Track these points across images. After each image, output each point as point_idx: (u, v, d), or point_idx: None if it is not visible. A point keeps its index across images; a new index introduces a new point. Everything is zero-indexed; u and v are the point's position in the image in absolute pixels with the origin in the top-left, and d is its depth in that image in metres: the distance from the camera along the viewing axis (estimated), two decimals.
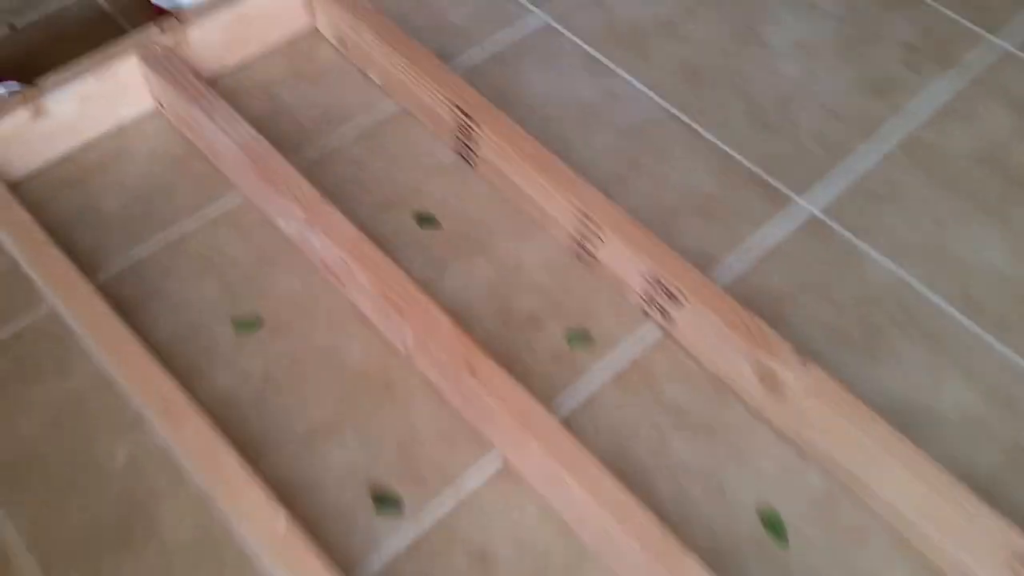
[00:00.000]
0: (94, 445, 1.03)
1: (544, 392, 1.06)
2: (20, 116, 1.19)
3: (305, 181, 1.15)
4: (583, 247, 1.16)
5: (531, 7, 1.44)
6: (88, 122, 1.26)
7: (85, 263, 1.16)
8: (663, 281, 1.08)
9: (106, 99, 1.25)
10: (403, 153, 1.28)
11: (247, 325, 1.13)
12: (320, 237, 1.12)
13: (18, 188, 1.22)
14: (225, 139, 1.19)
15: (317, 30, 1.40)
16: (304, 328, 1.13)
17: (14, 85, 1.24)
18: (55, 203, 1.22)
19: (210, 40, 1.30)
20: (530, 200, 1.20)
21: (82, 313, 1.07)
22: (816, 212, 1.22)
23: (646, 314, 1.13)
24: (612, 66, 1.38)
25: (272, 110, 1.32)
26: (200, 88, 1.23)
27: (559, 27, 1.42)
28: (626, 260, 1.12)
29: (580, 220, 1.15)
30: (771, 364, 1.00)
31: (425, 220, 1.22)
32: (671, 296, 1.07)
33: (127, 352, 1.03)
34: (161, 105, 1.30)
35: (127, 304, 1.13)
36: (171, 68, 1.25)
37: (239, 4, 1.30)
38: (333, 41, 1.38)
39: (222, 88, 1.33)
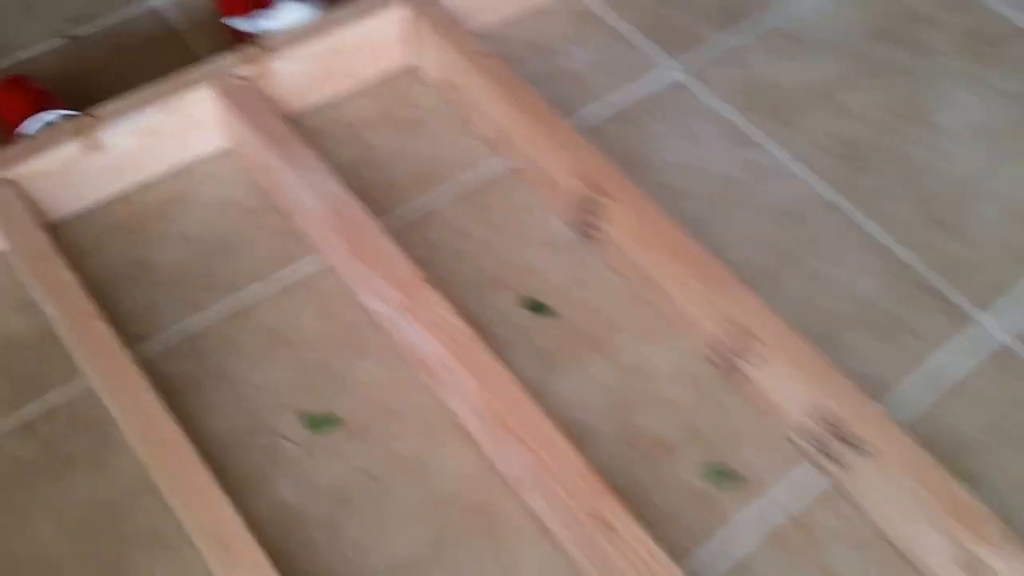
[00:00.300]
0: (125, 563, 0.85)
1: (678, 543, 0.86)
2: (70, 148, 1.01)
3: (402, 255, 0.96)
4: (728, 360, 0.97)
5: (660, 59, 1.25)
6: (149, 160, 1.07)
7: (131, 330, 0.97)
8: (833, 418, 0.88)
9: (171, 134, 1.07)
10: (511, 222, 1.10)
11: (320, 423, 0.94)
12: (415, 326, 0.93)
13: (59, 232, 1.04)
14: (308, 193, 1.00)
15: (416, 69, 1.22)
16: (388, 433, 0.93)
17: (65, 112, 1.06)
18: (102, 253, 1.04)
19: (296, 73, 1.12)
20: (664, 294, 1.01)
21: (123, 394, 0.88)
22: (1006, 339, 1.02)
23: (808, 455, 0.93)
24: (755, 135, 1.18)
25: (360, 158, 1.14)
26: (283, 130, 1.05)
27: (693, 85, 1.23)
28: (785, 384, 0.92)
29: (727, 327, 0.95)
30: (978, 551, 0.80)
31: (535, 307, 1.03)
32: (843, 439, 0.87)
33: (173, 450, 0.84)
34: (234, 144, 1.12)
35: (178, 386, 0.94)
36: (250, 103, 1.06)
37: (331, 33, 1.12)
38: (434, 83, 1.19)
39: (304, 127, 1.15)
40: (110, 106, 1.04)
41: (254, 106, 1.06)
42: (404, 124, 1.17)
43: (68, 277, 0.92)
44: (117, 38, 1.23)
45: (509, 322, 1.01)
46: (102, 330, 0.90)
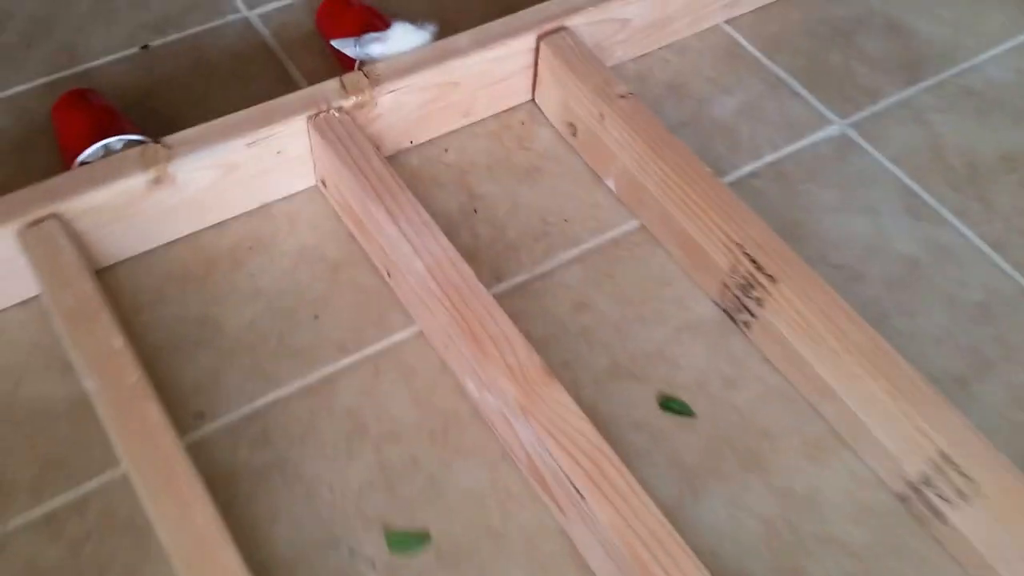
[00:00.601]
0: None
1: None
2: (134, 181, 0.85)
3: (518, 335, 0.79)
4: (924, 497, 0.77)
5: (825, 112, 1.06)
6: (225, 199, 0.91)
7: (187, 405, 0.81)
8: None
9: (254, 170, 0.91)
10: (644, 297, 0.91)
11: (405, 542, 0.76)
12: (530, 426, 0.75)
13: (110, 279, 0.88)
14: (409, 250, 0.83)
15: (536, 105, 1.05)
16: (487, 559, 0.75)
17: (132, 137, 0.91)
18: (159, 307, 0.87)
19: (403, 107, 0.95)
20: (837, 401, 0.81)
21: (169, 498, 0.70)
22: None
23: None
24: (939, 208, 0.99)
25: (468, 206, 0.96)
26: (384, 173, 0.87)
27: (863, 144, 1.04)
28: (1001, 537, 0.72)
29: (923, 453, 0.75)
30: None
31: (674, 406, 0.84)
32: None
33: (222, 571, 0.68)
34: (324, 185, 0.96)
35: (238, 481, 0.77)
36: (348, 140, 0.90)
37: (447, 63, 0.95)
38: (557, 124, 1.02)
39: (404, 168, 0.98)
40: (185, 134, 0.88)
41: (353, 143, 0.89)
42: (521, 171, 0.99)
43: (116, 342, 0.76)
44: (199, 51, 1.08)
45: (642, 425, 0.82)
46: (152, 413, 0.73)
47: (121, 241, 0.88)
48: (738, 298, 0.86)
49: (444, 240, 0.84)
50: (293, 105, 0.91)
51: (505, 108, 1.03)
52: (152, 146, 0.86)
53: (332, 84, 0.92)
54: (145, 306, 0.88)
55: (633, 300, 0.91)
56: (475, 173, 0.99)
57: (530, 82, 1.02)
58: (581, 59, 0.97)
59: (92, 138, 0.90)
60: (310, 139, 0.91)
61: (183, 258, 0.91)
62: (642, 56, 1.09)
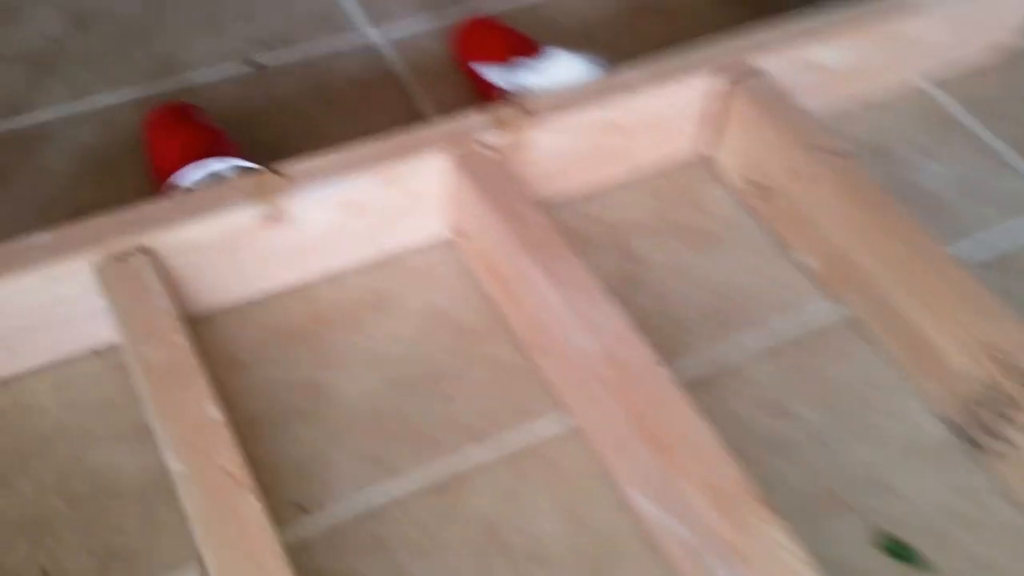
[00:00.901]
0: None
1: None
2: (242, 215, 0.70)
3: (724, 451, 0.61)
4: None
5: None
6: (345, 243, 0.75)
7: (281, 490, 0.64)
8: None
9: (382, 212, 0.75)
10: (854, 404, 0.73)
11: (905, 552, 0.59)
12: (735, 568, 0.57)
13: (204, 329, 0.73)
14: (571, 323, 0.66)
15: (713, 161, 0.89)
16: None
17: (241, 163, 0.76)
18: (258, 368, 0.71)
19: (557, 149, 0.79)
20: None
21: None
22: None
23: None
24: None
25: (627, 273, 0.79)
26: (540, 224, 0.71)
27: None
28: None
29: None
30: None
31: (896, 550, 0.65)
32: None
33: None
34: (463, 236, 0.80)
35: None
36: (496, 182, 0.74)
37: (611, 100, 0.79)
38: (738, 183, 0.85)
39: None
40: (305, 164, 0.73)
41: (508, 187, 0.73)
42: (692, 236, 0.83)
43: (211, 412, 0.60)
44: (313, 73, 0.94)
45: (858, 571, 0.64)
46: (248, 505, 0.57)
47: (221, 285, 0.73)
48: (985, 418, 0.68)
49: (621, 314, 0.67)
50: (433, 138, 0.75)
51: (673, 159, 0.87)
52: (266, 175, 0.71)
53: (479, 116, 0.77)
54: (243, 366, 0.72)
55: (841, 409, 0.73)
56: (636, 234, 0.83)
57: (706, 131, 0.86)
58: (783, 107, 0.81)
59: (193, 160, 0.75)
60: (450, 179, 0.76)
61: (292, 311, 0.75)
62: (832, 109, 0.93)
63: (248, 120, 0.89)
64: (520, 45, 0.88)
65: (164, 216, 0.69)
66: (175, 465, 0.59)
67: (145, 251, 0.67)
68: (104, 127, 0.88)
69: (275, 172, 0.71)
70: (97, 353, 0.71)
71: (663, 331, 0.76)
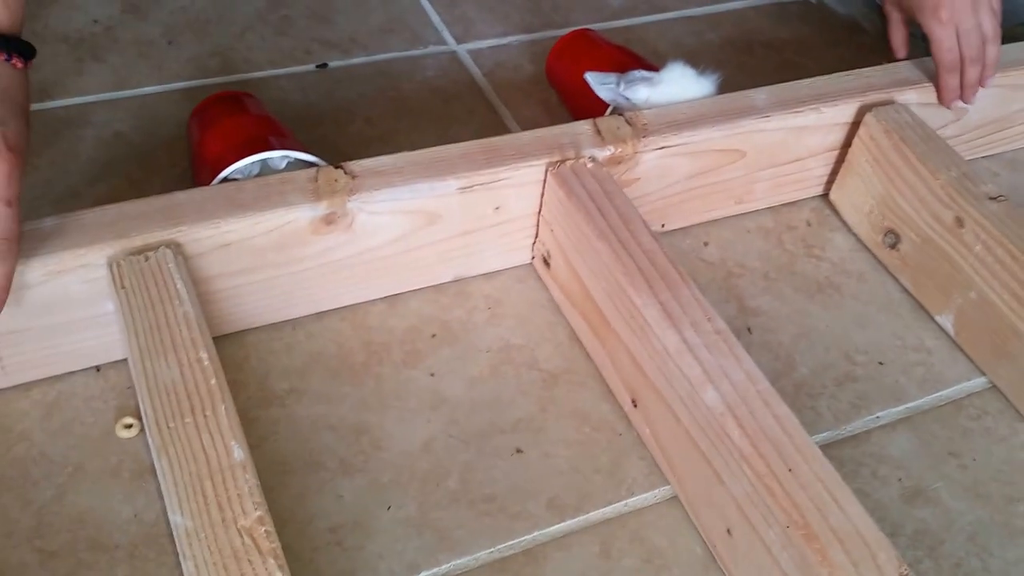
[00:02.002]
0: None
1: None
2: (297, 214, 0.53)
3: (887, 543, 0.44)
4: None
5: None
6: (412, 259, 0.59)
7: (312, 556, 0.48)
8: None
9: (460, 225, 0.59)
10: (1007, 489, 0.55)
11: None
12: None
13: (234, 350, 0.56)
14: (692, 371, 0.49)
15: (831, 203, 0.73)
16: None
17: (299, 155, 0.61)
18: (295, 402, 0.54)
19: (668, 173, 0.63)
20: None
21: None
22: None
23: None
24: None
25: (739, 322, 0.62)
26: (659, 255, 0.54)
27: None
28: None
29: None
30: None
31: None
32: None
33: None
34: (548, 262, 0.64)
35: None
36: (606, 201, 0.57)
37: (735, 123, 0.63)
38: (863, 229, 0.68)
39: None
40: (376, 162, 0.56)
41: (613, 207, 0.57)
42: (811, 286, 0.65)
43: (235, 453, 0.43)
44: (389, 80, 0.78)
45: None
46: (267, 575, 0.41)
47: (258, 298, 0.56)
48: None
49: (751, 364, 0.50)
50: (528, 146, 0.59)
51: (794, 197, 0.71)
52: (330, 170, 0.56)
53: (583, 127, 0.61)
54: (278, 397, 0.55)
55: (991, 495, 0.55)
56: (747, 278, 0.66)
57: (835, 167, 0.70)
58: (927, 143, 0.65)
59: (244, 151, 0.59)
60: (545, 194, 0.60)
61: (342, 336, 0.58)
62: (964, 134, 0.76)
63: (311, 122, 0.73)
64: (629, 60, 0.73)
65: (199, 208, 0.53)
66: (178, 517, 0.42)
67: (173, 247, 0.51)
68: (142, 117, 0.73)
69: (342, 168, 0.56)
70: (99, 370, 0.55)
71: (784, 390, 0.58)
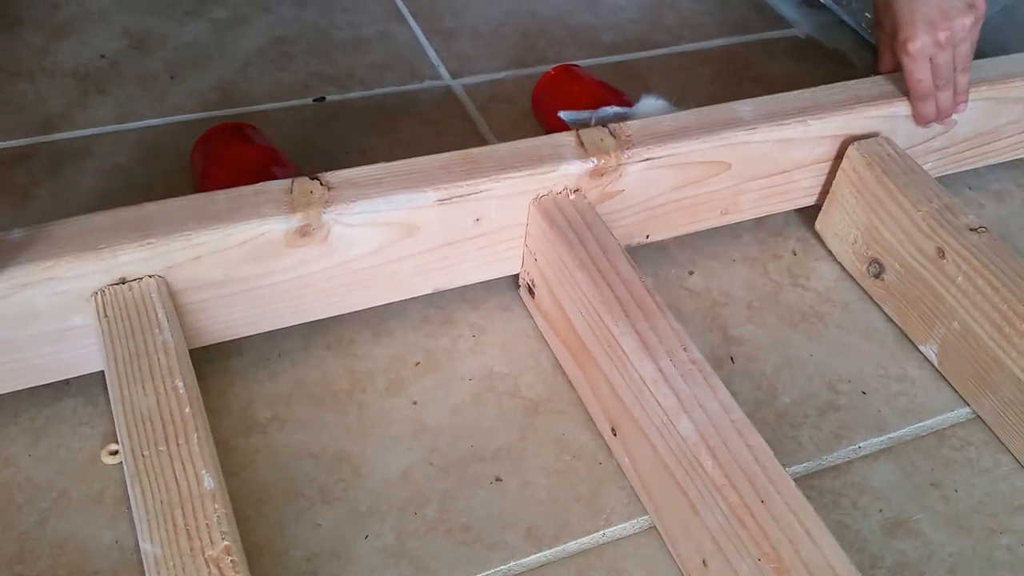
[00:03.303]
0: None
1: None
2: (270, 226, 0.51)
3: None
4: None
5: None
6: (389, 274, 0.57)
7: None
8: None
9: (439, 237, 0.56)
10: (988, 523, 0.52)
11: None
12: None
13: (216, 375, 0.55)
14: (667, 401, 0.47)
15: (816, 233, 0.71)
16: None
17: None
18: (277, 430, 0.53)
19: (652, 185, 0.61)
20: None
21: None
22: None
23: None
24: None
25: (722, 351, 0.60)
26: (637, 285, 0.52)
27: None
28: None
29: None
30: None
31: None
32: None
33: None
34: (532, 291, 0.63)
35: None
36: (585, 231, 0.55)
37: (719, 134, 0.60)
38: (847, 259, 0.67)
39: None
40: (353, 173, 0.54)
41: (593, 236, 0.55)
42: (794, 315, 0.63)
43: (206, 481, 0.42)
44: (385, 114, 0.77)
45: None
46: None
47: (231, 312, 0.54)
48: None
49: (726, 394, 0.48)
50: (508, 158, 0.57)
51: (775, 210, 0.68)
52: (306, 181, 0.53)
53: (566, 139, 0.59)
54: (259, 425, 0.54)
55: (973, 527, 0.53)
56: (731, 308, 0.64)
57: (815, 181, 0.67)
58: (908, 174, 0.63)
59: (245, 179, 0.58)
60: (529, 224, 0.58)
61: (325, 365, 0.57)
62: (946, 176, 0.74)
63: (308, 155, 0.72)
64: (607, 94, 0.72)
65: (169, 219, 0.50)
66: (148, 545, 0.40)
67: (157, 277, 0.50)
68: (143, 148, 0.72)
69: (316, 178, 0.54)
70: (68, 383, 0.54)
71: (766, 420, 0.57)
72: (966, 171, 0.76)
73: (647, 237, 0.65)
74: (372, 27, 0.87)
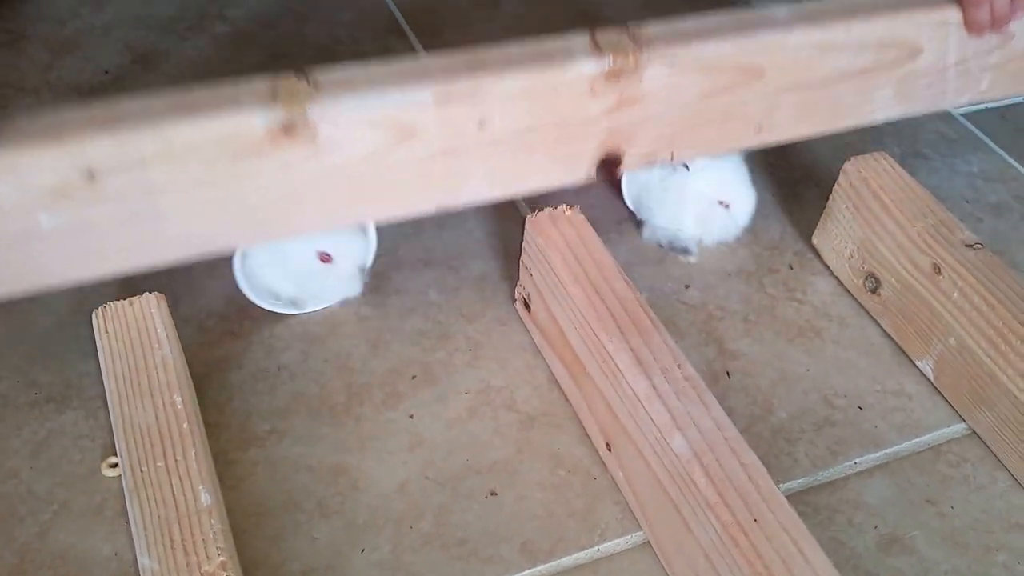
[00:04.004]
0: None
1: None
2: (250, 120, 0.46)
3: None
4: None
5: None
6: (389, 180, 0.50)
7: None
8: None
9: (440, 142, 0.51)
10: (984, 540, 0.52)
11: None
12: None
13: (216, 390, 0.55)
14: (661, 418, 0.47)
15: (813, 247, 0.71)
16: None
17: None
18: (275, 443, 0.53)
19: (676, 93, 0.55)
20: None
21: None
22: None
23: None
24: None
25: (717, 366, 0.60)
26: (631, 300, 0.53)
27: None
28: None
29: None
30: None
31: None
32: None
33: None
34: (528, 305, 0.63)
35: None
36: (579, 244, 0.55)
37: (751, 36, 0.55)
38: (843, 273, 0.67)
39: None
40: (342, 71, 0.49)
41: (586, 250, 0.55)
42: (791, 330, 0.63)
43: (200, 498, 0.43)
44: None
45: None
46: None
47: (212, 218, 0.48)
48: None
49: (720, 411, 0.49)
50: (515, 56, 0.52)
51: (816, 131, 0.61)
52: (291, 78, 0.48)
53: (578, 38, 0.52)
54: (257, 438, 0.54)
55: (969, 544, 0.53)
56: (727, 321, 0.65)
57: (859, 99, 0.61)
58: (905, 190, 0.63)
59: None
60: (525, 240, 0.58)
61: (323, 378, 0.57)
62: (943, 187, 0.74)
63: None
64: None
65: (143, 111, 0.45)
66: (145, 560, 0.41)
67: (155, 293, 0.51)
68: None
69: (302, 76, 0.48)
70: (85, 407, 0.55)
71: (761, 435, 0.57)
72: (963, 183, 0.77)
73: (671, 157, 0.59)
74: (373, 42, 0.88)
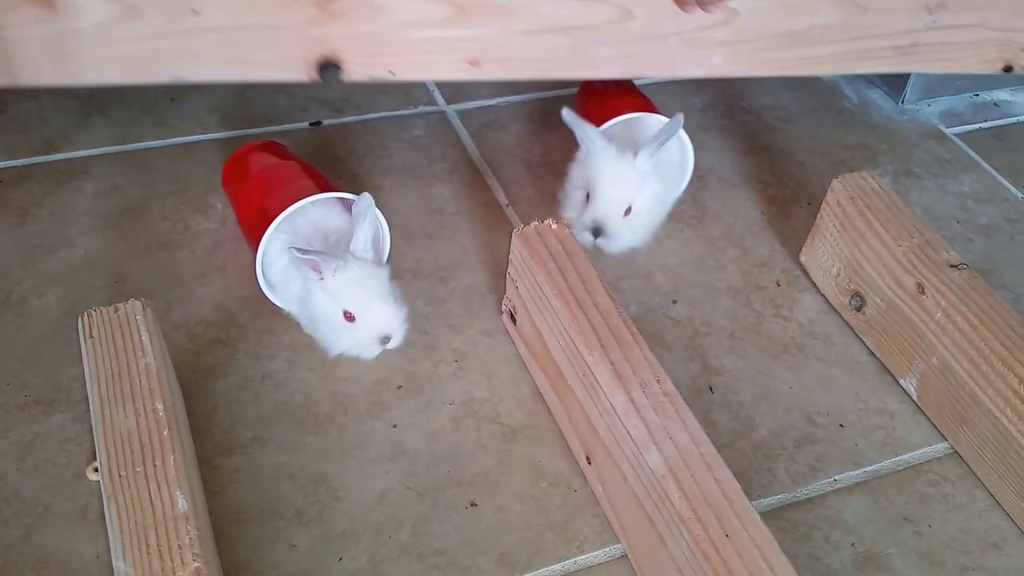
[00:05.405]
0: None
1: None
2: None
3: None
4: None
5: None
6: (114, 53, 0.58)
7: None
8: None
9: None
10: (962, 559, 0.53)
11: None
12: None
13: (201, 397, 0.56)
14: (638, 433, 0.47)
15: (801, 264, 0.72)
16: None
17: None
18: (258, 450, 0.54)
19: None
20: None
21: None
22: None
23: None
24: None
25: (702, 381, 0.61)
26: (612, 314, 0.53)
27: None
28: None
29: None
30: None
31: None
32: None
33: None
34: (514, 318, 0.63)
35: None
36: (565, 260, 0.56)
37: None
38: (830, 291, 0.68)
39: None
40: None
41: (572, 267, 0.56)
42: (775, 347, 0.64)
43: (177, 504, 0.43)
44: (376, 137, 0.79)
45: None
46: None
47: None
48: None
49: (696, 427, 0.49)
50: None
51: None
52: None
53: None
54: (240, 445, 0.55)
55: (945, 562, 0.53)
56: (713, 337, 0.65)
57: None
58: (892, 210, 0.64)
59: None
60: (511, 253, 0.59)
61: (308, 387, 0.58)
62: (929, 204, 0.75)
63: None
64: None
65: None
66: (121, 564, 0.42)
67: (142, 301, 0.52)
68: (140, 170, 0.74)
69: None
70: (72, 411, 0.55)
71: (743, 451, 0.57)
72: (954, 203, 0.77)
73: (392, 74, 0.64)
74: None
